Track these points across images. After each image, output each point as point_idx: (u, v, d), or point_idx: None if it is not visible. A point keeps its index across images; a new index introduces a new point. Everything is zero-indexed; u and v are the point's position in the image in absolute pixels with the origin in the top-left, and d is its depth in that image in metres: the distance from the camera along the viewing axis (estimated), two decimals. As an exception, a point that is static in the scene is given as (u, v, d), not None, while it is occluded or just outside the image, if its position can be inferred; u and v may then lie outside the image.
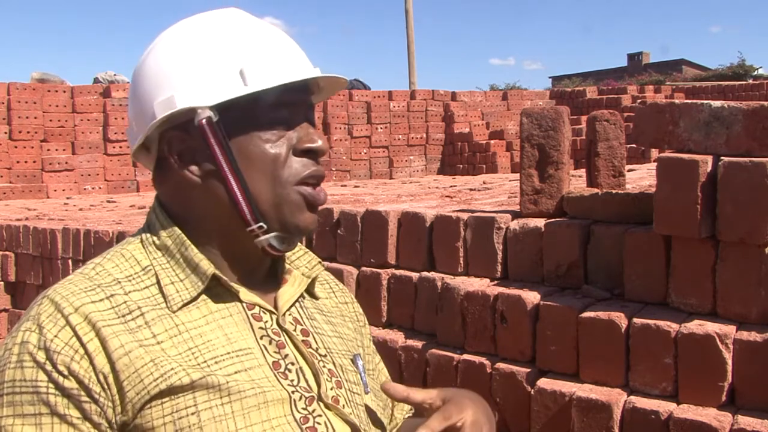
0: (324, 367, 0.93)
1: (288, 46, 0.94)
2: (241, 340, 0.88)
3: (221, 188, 0.89)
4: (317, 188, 0.93)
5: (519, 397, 1.82)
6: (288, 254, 1.02)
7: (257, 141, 0.89)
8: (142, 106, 0.91)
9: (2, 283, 4.30)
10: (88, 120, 8.57)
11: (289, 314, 0.96)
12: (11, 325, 4.27)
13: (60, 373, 0.78)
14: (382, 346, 2.12)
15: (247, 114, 0.89)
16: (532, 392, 1.77)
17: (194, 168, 0.90)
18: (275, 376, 0.88)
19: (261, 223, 0.89)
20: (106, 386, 0.80)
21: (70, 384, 0.78)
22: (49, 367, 0.78)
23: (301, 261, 1.03)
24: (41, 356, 0.79)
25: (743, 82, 14.78)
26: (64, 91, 8.58)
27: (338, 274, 2.29)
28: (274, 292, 0.97)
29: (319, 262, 1.04)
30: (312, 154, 0.92)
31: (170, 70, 0.89)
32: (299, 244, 1.04)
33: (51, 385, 0.78)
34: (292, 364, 0.90)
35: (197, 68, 0.88)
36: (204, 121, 0.87)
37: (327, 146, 0.94)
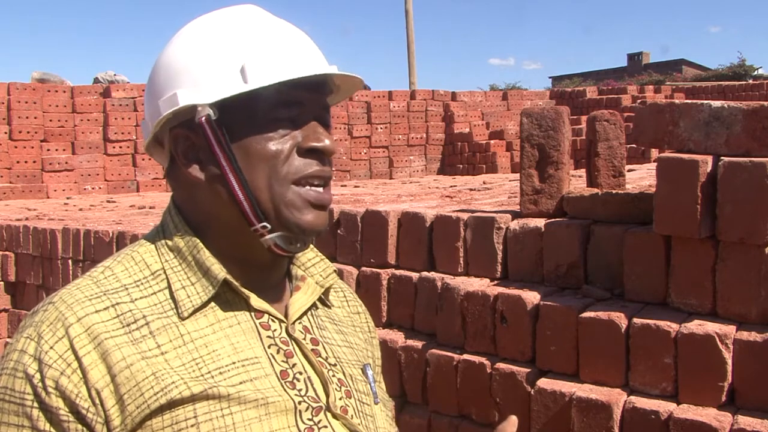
0: (333, 376, 0.92)
1: (298, 44, 0.91)
2: (248, 349, 0.87)
3: (224, 187, 0.87)
4: (322, 188, 0.90)
5: (519, 397, 1.82)
6: (303, 261, 1.00)
7: (259, 139, 0.87)
8: (152, 102, 0.91)
9: (2, 283, 4.30)
10: (88, 120, 8.57)
11: (300, 323, 0.94)
12: (11, 325, 4.27)
13: (45, 388, 0.78)
14: (382, 346, 2.11)
15: (249, 111, 0.87)
16: (532, 392, 1.77)
17: (198, 166, 0.89)
18: (282, 385, 0.86)
19: (264, 223, 0.88)
20: (98, 401, 0.79)
21: (51, 401, 0.78)
22: (36, 380, 0.78)
23: (317, 269, 1.01)
24: (33, 368, 0.79)
25: (743, 82, 14.77)
26: (64, 91, 8.58)
27: (338, 274, 2.29)
28: (287, 300, 0.95)
29: (334, 271, 1.03)
30: (318, 154, 0.89)
31: (177, 67, 0.89)
32: (315, 250, 1.02)
33: (35, 399, 0.78)
34: (300, 373, 0.89)
35: (200, 66, 0.87)
36: (203, 119, 0.86)
37: (335, 146, 0.91)
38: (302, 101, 0.89)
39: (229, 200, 0.88)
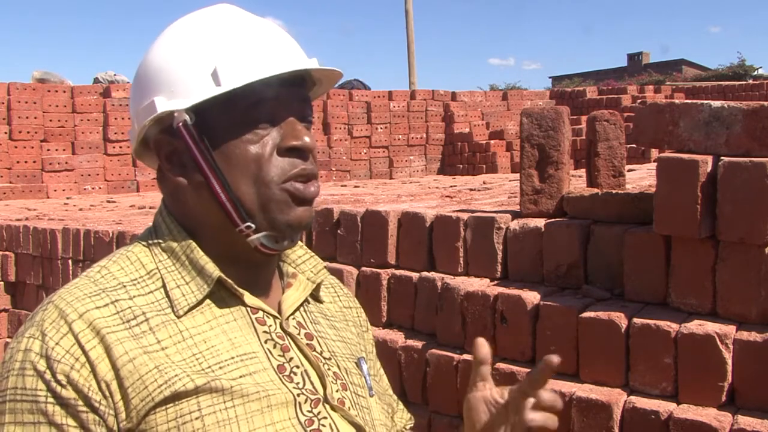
0: (329, 369, 0.93)
1: (271, 40, 0.91)
2: (245, 344, 0.88)
3: (207, 190, 0.88)
4: (307, 183, 0.90)
5: (519, 397, 1.82)
6: (294, 258, 1.01)
7: (238, 141, 0.87)
8: (135, 110, 0.92)
9: (2, 283, 4.30)
10: (88, 120, 8.56)
11: (293, 318, 0.96)
12: (11, 326, 4.27)
13: (58, 382, 0.79)
14: (382, 346, 2.12)
15: (226, 113, 0.87)
16: (532, 392, 1.77)
17: (182, 170, 0.90)
18: (280, 379, 0.88)
19: (249, 223, 0.88)
20: (108, 394, 0.79)
21: (67, 393, 0.79)
22: (48, 376, 0.79)
23: (307, 265, 1.02)
24: (42, 365, 0.79)
25: (743, 82, 14.76)
26: (64, 91, 8.58)
27: (338, 274, 2.29)
28: (279, 296, 0.97)
29: (324, 267, 1.04)
30: (298, 152, 0.89)
31: (153, 74, 0.89)
32: (305, 247, 1.03)
33: (49, 394, 0.79)
34: (297, 367, 0.90)
35: (174, 71, 0.88)
36: (181, 124, 0.86)
37: (314, 143, 0.92)
38: (278, 97, 0.89)
39: (214, 203, 0.88)
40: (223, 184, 0.87)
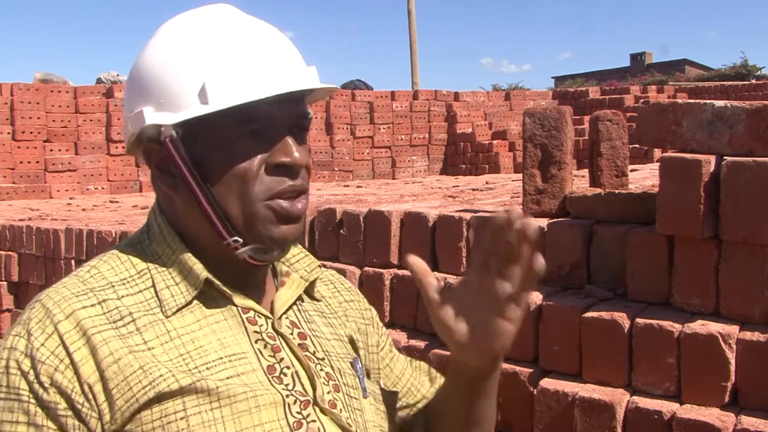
0: (321, 370, 0.92)
1: (269, 53, 0.87)
2: (234, 344, 0.87)
3: (196, 204, 0.87)
4: (294, 200, 0.88)
5: (522, 397, 1.81)
6: (288, 257, 1.00)
7: (225, 157, 0.85)
8: (126, 113, 0.91)
9: (5, 283, 4.31)
10: (91, 120, 8.58)
11: (286, 317, 0.95)
12: (14, 325, 4.28)
13: (41, 384, 0.79)
14: (384, 346, 2.12)
15: (214, 130, 0.85)
16: (534, 392, 1.77)
17: (171, 180, 0.89)
18: (269, 380, 0.87)
19: (236, 237, 0.87)
20: (91, 396, 0.79)
21: (49, 396, 0.79)
22: (31, 376, 0.79)
23: (301, 264, 1.01)
24: (26, 365, 0.79)
25: (746, 82, 14.75)
26: (67, 92, 8.59)
27: (341, 275, 2.29)
28: (272, 296, 0.96)
29: (319, 265, 1.02)
30: (287, 168, 0.87)
31: (142, 82, 0.88)
32: (299, 246, 1.02)
33: (31, 395, 0.79)
34: (288, 368, 0.90)
35: (163, 82, 0.85)
36: (167, 139, 0.85)
37: (306, 158, 0.88)
38: (270, 115, 0.86)
39: (202, 216, 0.87)
40: (209, 200, 0.86)
